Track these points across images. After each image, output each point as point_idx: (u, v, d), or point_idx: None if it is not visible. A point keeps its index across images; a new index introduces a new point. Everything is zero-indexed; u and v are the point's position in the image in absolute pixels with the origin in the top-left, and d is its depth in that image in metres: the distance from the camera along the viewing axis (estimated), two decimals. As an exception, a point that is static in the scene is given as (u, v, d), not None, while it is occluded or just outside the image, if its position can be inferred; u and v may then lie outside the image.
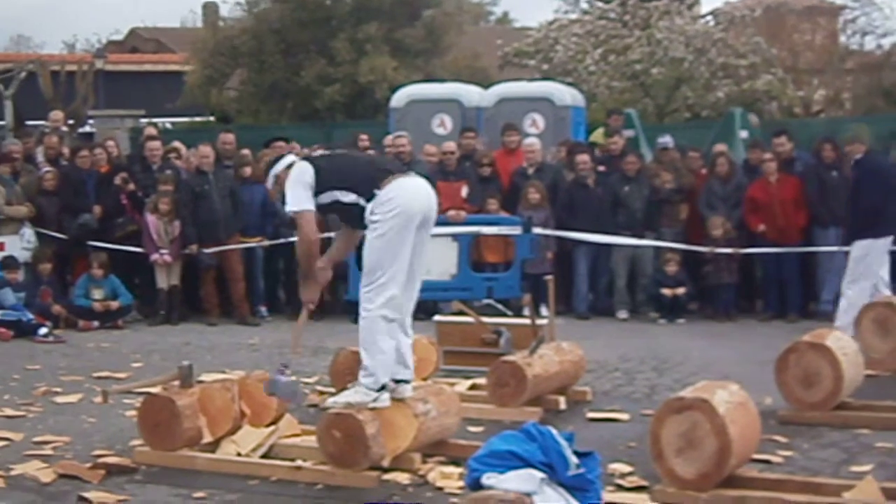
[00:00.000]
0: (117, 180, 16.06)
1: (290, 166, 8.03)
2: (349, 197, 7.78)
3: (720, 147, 16.51)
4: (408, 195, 7.68)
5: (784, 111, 28.82)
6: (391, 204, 7.58)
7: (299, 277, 8.46)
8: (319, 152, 8.42)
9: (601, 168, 16.03)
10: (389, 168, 8.00)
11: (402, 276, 7.68)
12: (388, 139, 16.85)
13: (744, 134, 18.26)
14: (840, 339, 9.43)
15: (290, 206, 7.86)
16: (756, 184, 15.34)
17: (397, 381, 7.82)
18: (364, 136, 17.02)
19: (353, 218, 7.89)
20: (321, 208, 7.91)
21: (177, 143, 17.62)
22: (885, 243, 12.09)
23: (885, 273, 12.30)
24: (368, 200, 7.68)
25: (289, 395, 8.36)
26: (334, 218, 8.02)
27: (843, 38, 35.65)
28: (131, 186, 16.05)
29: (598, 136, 18.28)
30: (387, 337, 7.67)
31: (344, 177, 7.89)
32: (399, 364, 7.84)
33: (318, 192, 7.83)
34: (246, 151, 16.69)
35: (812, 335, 9.48)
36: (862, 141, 13.47)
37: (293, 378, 8.40)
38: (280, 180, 8.08)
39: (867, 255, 11.95)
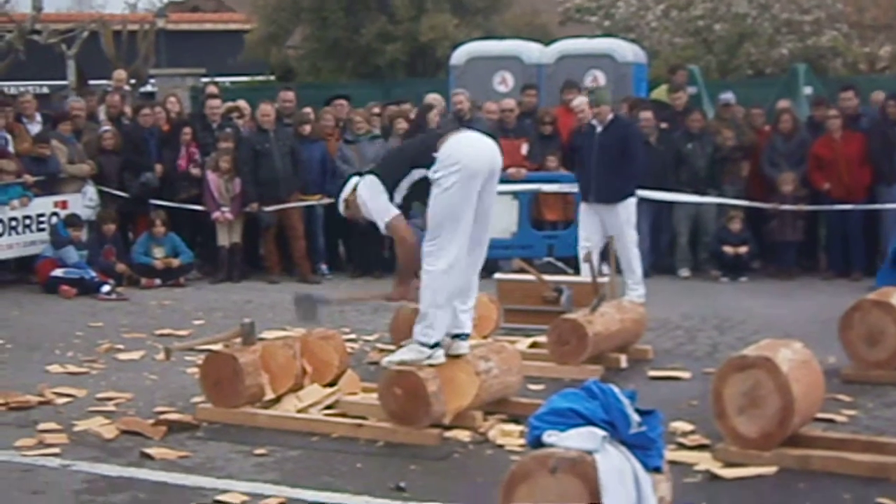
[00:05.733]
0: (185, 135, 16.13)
1: (354, 188, 7.99)
2: (416, 175, 7.71)
3: (784, 103, 16.33)
4: (468, 150, 7.60)
5: (849, 67, 28.45)
6: (451, 159, 7.50)
7: (397, 275, 8.41)
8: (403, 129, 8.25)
9: (664, 125, 15.89)
10: (441, 133, 7.94)
11: (465, 237, 7.62)
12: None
13: (808, 90, 18.05)
14: (905, 298, 9.32)
15: (379, 221, 7.79)
16: (820, 141, 15.17)
17: (454, 337, 7.80)
18: (435, 96, 16.89)
19: (424, 191, 7.75)
20: (401, 207, 7.83)
21: (240, 102, 17.64)
22: None
23: None
24: (429, 167, 7.60)
25: (307, 316, 8.41)
26: (418, 205, 7.95)
27: (909, -7, 35.12)
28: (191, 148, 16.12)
29: (659, 92, 18.11)
30: (445, 297, 7.64)
31: (402, 164, 7.83)
32: (455, 320, 7.81)
33: (391, 193, 7.78)
34: (307, 109, 16.68)
35: (877, 293, 9.39)
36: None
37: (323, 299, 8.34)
38: (351, 203, 8.05)
39: None
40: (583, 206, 12.75)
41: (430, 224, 7.64)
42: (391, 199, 7.76)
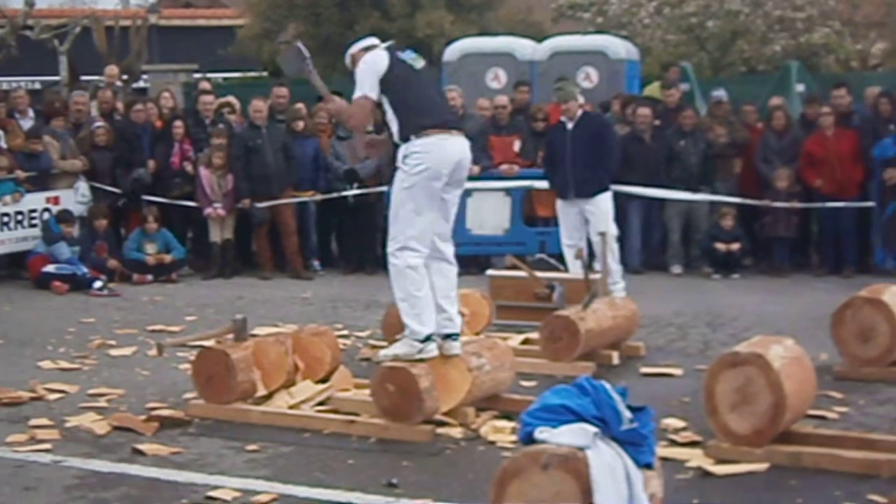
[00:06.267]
0: (175, 129, 16.11)
1: (367, 49, 8.01)
2: (390, 116, 7.79)
3: (776, 100, 16.35)
4: (438, 154, 7.66)
5: (841, 64, 28.47)
6: (419, 158, 7.59)
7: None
8: (410, 52, 8.24)
9: (656, 122, 15.89)
10: (437, 121, 7.88)
11: (427, 237, 7.71)
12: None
13: (800, 87, 18.07)
14: (897, 295, 9.33)
15: (357, 91, 7.86)
16: (813, 138, 15.18)
17: (445, 337, 7.82)
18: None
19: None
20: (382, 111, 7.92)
21: (230, 98, 17.64)
22: None
23: None
24: (402, 140, 7.72)
25: (294, 68, 8.52)
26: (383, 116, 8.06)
27: (902, -10, 35.16)
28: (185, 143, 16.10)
29: (652, 90, 18.12)
30: (418, 284, 7.69)
31: (403, 99, 7.83)
32: (444, 318, 7.83)
33: (382, 90, 7.81)
34: (299, 105, 16.68)
35: (868, 290, 9.39)
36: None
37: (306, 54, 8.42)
38: (354, 59, 8.08)
39: None
40: (560, 204, 12.72)
41: (391, 215, 7.78)
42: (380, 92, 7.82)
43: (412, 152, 7.63)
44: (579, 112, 12.51)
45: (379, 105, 7.91)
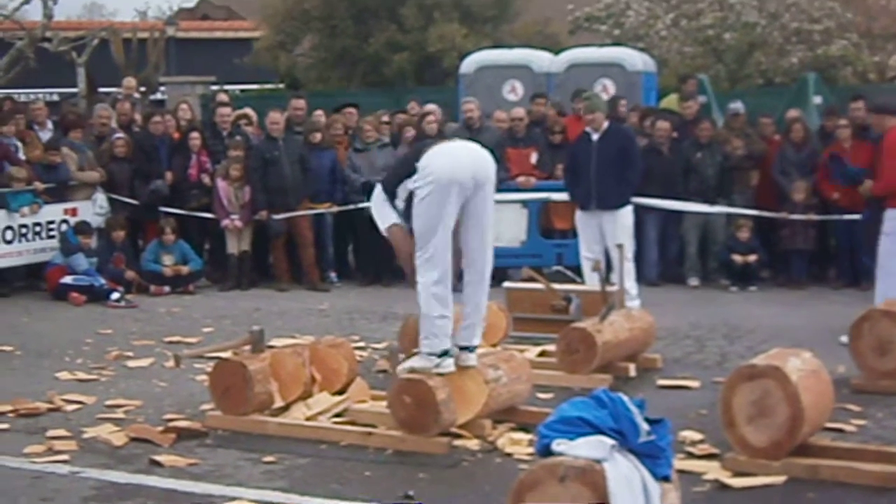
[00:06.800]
0: (192, 141, 16.14)
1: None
2: (409, 185, 7.71)
3: (794, 113, 16.32)
4: (443, 160, 7.59)
5: (859, 77, 28.41)
6: (426, 170, 7.54)
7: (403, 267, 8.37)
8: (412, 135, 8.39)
9: (674, 134, 15.88)
10: (427, 143, 8.00)
11: (447, 247, 7.63)
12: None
13: (817, 100, 18.04)
14: (915, 307, 9.30)
15: (382, 228, 7.97)
16: (830, 150, 15.14)
17: (462, 349, 7.81)
18: (431, 106, 16.86)
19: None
20: (406, 215, 7.84)
21: (247, 110, 17.68)
22: None
23: None
24: (410, 176, 7.69)
25: None
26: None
27: (919, 3, 35.09)
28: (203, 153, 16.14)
29: (669, 101, 18.11)
30: (440, 306, 7.64)
31: (397, 174, 7.91)
32: (465, 329, 7.83)
33: (392, 202, 7.87)
34: (319, 112, 16.70)
35: (886, 303, 9.39)
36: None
37: None
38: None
39: None
40: (580, 216, 12.73)
41: (416, 236, 7.70)
42: (393, 206, 7.84)
43: (420, 169, 7.58)
44: (605, 124, 12.52)
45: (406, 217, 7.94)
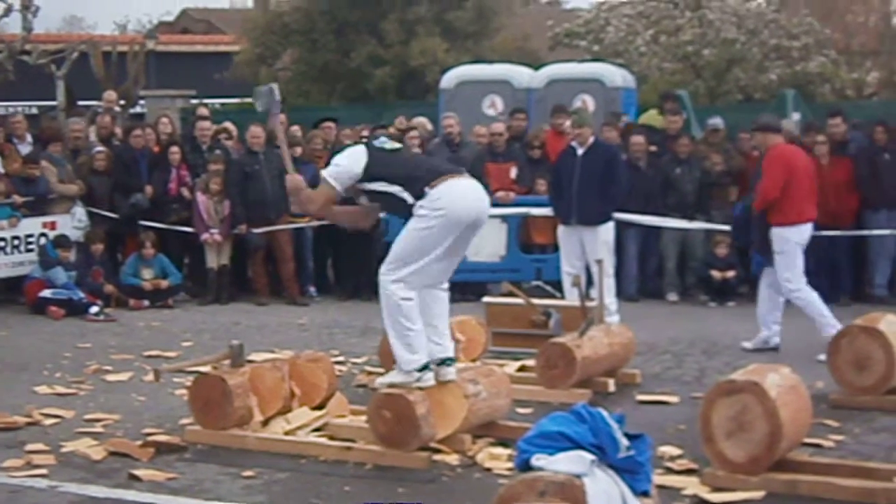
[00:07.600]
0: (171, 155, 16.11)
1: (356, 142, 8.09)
2: (394, 188, 7.75)
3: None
4: (459, 201, 7.65)
5: (837, 93, 28.57)
6: (439, 204, 7.56)
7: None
8: (383, 139, 8.42)
9: (652, 148, 15.92)
10: (442, 170, 7.96)
11: (427, 271, 7.68)
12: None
13: (796, 116, 18.10)
14: (893, 324, 9.33)
15: (325, 172, 7.96)
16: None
17: (439, 364, 7.82)
18: (419, 120, 16.87)
19: (394, 207, 7.90)
20: (367, 193, 7.91)
21: (227, 124, 17.65)
22: None
23: None
24: (417, 198, 7.65)
25: (263, 105, 8.70)
26: (375, 204, 8.07)
27: (896, 20, 35.36)
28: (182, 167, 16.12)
29: (648, 117, 18.15)
30: (410, 321, 7.67)
31: (396, 173, 7.85)
32: (437, 343, 7.84)
33: (367, 178, 7.83)
34: (296, 128, 16.71)
35: (864, 319, 9.42)
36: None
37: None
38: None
39: None
40: (561, 230, 12.75)
41: (393, 251, 7.70)
42: (363, 181, 7.84)
43: (432, 199, 7.59)
44: (591, 139, 12.56)
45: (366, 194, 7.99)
